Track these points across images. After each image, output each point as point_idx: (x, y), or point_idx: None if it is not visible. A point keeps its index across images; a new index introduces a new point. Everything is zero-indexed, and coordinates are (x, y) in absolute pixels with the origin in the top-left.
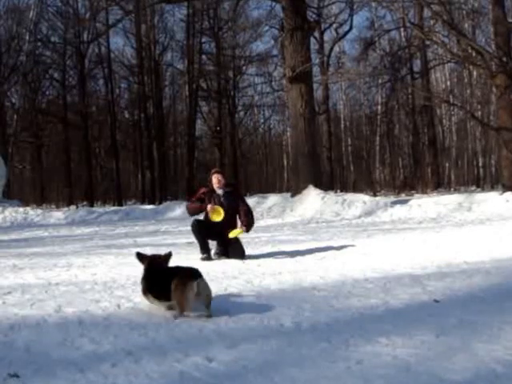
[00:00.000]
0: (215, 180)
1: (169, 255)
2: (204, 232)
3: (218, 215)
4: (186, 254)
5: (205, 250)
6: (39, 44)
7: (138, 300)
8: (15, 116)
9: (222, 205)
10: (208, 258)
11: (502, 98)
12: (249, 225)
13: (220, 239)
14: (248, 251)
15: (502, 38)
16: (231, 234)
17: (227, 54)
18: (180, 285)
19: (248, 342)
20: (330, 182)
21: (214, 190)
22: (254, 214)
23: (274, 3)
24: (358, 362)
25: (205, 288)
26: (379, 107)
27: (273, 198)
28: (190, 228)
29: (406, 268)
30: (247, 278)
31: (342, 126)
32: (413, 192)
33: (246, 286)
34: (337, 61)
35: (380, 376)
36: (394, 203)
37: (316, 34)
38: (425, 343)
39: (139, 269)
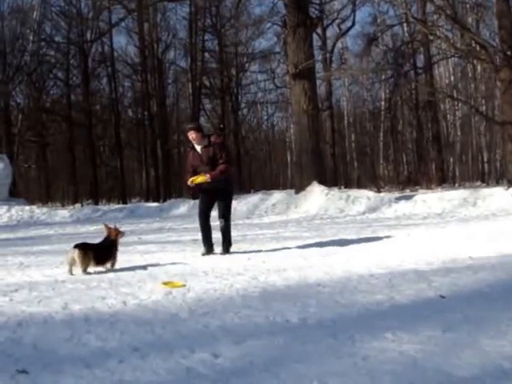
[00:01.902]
0: (190, 138)
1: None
2: (207, 221)
3: (201, 178)
4: (191, 252)
5: (206, 243)
6: (43, 44)
7: (143, 297)
8: (20, 115)
9: (201, 160)
10: (207, 252)
11: (507, 92)
12: (214, 175)
13: (219, 204)
14: (253, 248)
15: (506, 31)
16: (195, 180)
17: (230, 52)
18: None
19: (254, 338)
20: (333, 178)
21: (193, 146)
22: (258, 211)
23: (276, 0)
24: (364, 358)
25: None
26: (382, 103)
27: (277, 195)
28: (194, 226)
29: (411, 264)
30: (252, 274)
31: (346, 122)
32: (417, 188)
33: (251, 283)
34: (340, 57)
35: (386, 372)
36: (398, 199)
37: (318, 30)
38: (431, 339)
39: (143, 267)
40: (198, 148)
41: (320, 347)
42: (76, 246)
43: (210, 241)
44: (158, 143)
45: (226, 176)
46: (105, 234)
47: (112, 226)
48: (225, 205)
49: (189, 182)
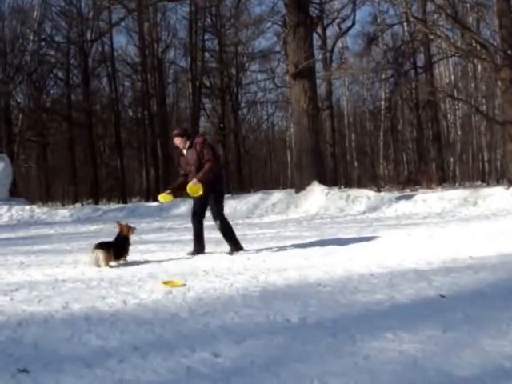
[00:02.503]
0: (176, 144)
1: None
2: (198, 221)
3: (196, 191)
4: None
5: (195, 243)
6: (43, 43)
7: (144, 296)
8: (20, 115)
9: (187, 162)
10: (196, 252)
11: (507, 91)
12: (200, 178)
13: (210, 205)
14: (253, 247)
15: (506, 30)
16: (192, 193)
17: (230, 51)
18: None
19: (254, 337)
20: (333, 177)
21: (182, 151)
22: (258, 210)
23: None
24: (365, 358)
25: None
26: (383, 102)
27: (277, 195)
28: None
29: (412, 263)
30: (252, 274)
31: (346, 121)
32: (417, 187)
33: (252, 282)
34: (340, 56)
35: (387, 372)
36: (398, 198)
37: (319, 29)
38: (431, 339)
39: (144, 266)
40: (184, 151)
41: (320, 347)
42: (98, 247)
43: (201, 241)
44: (158, 143)
45: (212, 174)
46: (117, 230)
47: (124, 223)
48: (213, 205)
49: (193, 193)
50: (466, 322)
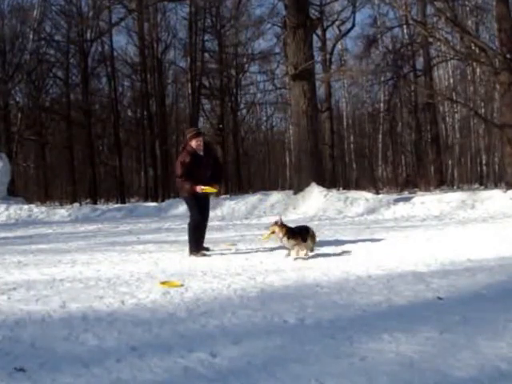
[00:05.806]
0: (196, 143)
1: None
2: (200, 231)
3: (211, 190)
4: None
5: (198, 246)
6: (43, 43)
7: (141, 296)
8: (19, 114)
9: (205, 165)
10: (204, 254)
11: (506, 95)
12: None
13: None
14: (251, 248)
15: (505, 34)
16: (207, 190)
17: (229, 52)
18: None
19: (252, 337)
20: (332, 179)
21: (195, 152)
22: (256, 211)
23: (276, 1)
24: (362, 359)
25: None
26: (382, 105)
27: (275, 196)
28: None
29: (410, 265)
30: (250, 274)
31: (345, 123)
32: (416, 190)
33: (249, 283)
34: (339, 58)
35: (384, 372)
36: (396, 201)
37: (318, 31)
38: (429, 340)
39: (142, 266)
40: (201, 153)
41: (317, 347)
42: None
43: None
44: (157, 143)
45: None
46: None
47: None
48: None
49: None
50: (463, 323)
